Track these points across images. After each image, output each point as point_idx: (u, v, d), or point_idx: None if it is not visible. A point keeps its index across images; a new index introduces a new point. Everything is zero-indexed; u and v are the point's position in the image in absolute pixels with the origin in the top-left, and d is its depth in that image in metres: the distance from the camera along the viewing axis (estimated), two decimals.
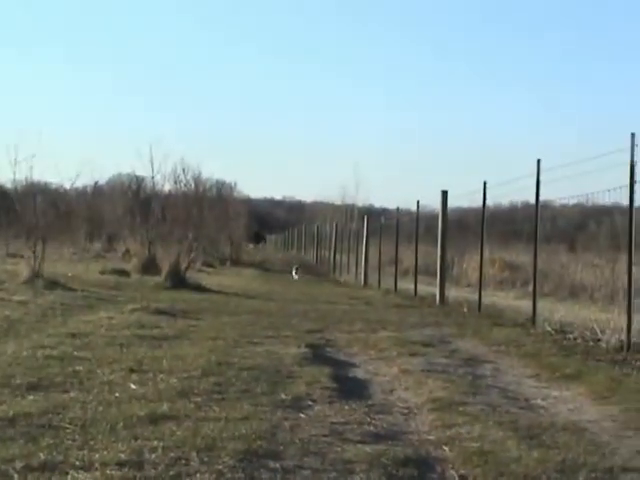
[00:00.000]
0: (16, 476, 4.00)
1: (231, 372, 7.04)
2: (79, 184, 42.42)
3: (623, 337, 9.48)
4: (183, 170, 31.21)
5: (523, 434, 5.35)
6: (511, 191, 16.72)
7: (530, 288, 13.32)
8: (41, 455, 4.32)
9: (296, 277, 28.69)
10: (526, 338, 10.60)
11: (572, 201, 14.73)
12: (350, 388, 6.85)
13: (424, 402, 6.34)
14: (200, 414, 5.42)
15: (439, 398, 6.44)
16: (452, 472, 4.51)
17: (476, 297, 14.95)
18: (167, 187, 30.12)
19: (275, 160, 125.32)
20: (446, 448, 4.96)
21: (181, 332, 9.85)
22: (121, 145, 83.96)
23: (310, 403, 6.06)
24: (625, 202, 9.87)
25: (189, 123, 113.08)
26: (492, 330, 11.44)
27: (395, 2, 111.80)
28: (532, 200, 12.59)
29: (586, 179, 11.23)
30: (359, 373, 7.76)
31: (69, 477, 4.04)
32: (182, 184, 31.48)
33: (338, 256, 34.24)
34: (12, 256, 23.37)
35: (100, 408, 5.45)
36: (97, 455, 4.36)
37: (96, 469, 4.14)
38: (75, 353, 7.73)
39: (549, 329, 11.18)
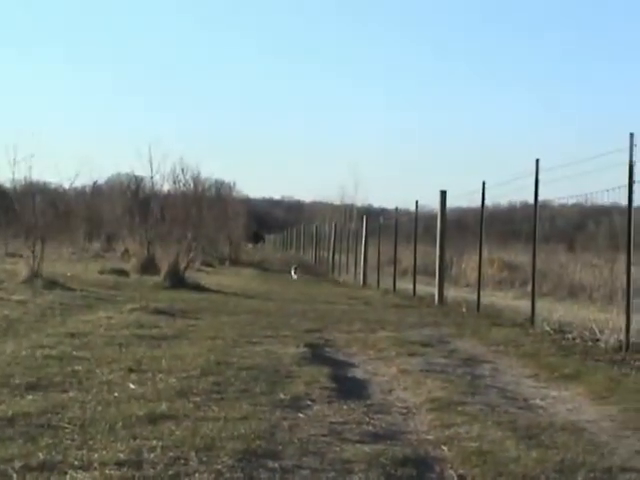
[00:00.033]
0: (15, 476, 4.00)
1: (230, 372, 7.04)
2: (78, 184, 42.39)
3: (622, 337, 9.49)
4: (182, 170, 31.17)
5: (522, 434, 5.35)
6: (510, 191, 16.73)
7: (529, 288, 13.33)
8: (40, 455, 4.32)
9: (295, 277, 28.67)
10: (525, 338, 10.61)
11: (571, 201, 14.79)
12: (349, 388, 6.85)
13: (423, 402, 6.34)
14: (199, 414, 5.43)
15: (438, 398, 6.44)
16: (451, 472, 4.51)
17: (475, 297, 14.95)
18: (166, 187, 30.09)
19: (274, 160, 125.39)
20: (445, 448, 4.97)
21: (180, 332, 9.85)
22: (120, 145, 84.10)
23: (309, 403, 6.07)
24: (624, 202, 9.88)
25: (189, 123, 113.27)
26: (491, 330, 11.45)
27: (395, 2, 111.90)
28: (531, 200, 12.60)
29: (585, 179, 11.24)
30: (358, 373, 7.77)
31: (68, 477, 4.04)
32: (181, 184, 31.45)
33: (337, 256, 34.25)
34: (11, 256, 23.38)
35: (99, 408, 5.46)
36: (96, 455, 4.36)
37: (95, 469, 4.14)
38: (74, 353, 7.73)
39: (548, 329, 11.19)
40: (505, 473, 4.45)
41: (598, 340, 9.90)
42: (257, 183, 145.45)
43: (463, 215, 24.11)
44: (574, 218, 32.86)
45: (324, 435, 5.10)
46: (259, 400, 5.99)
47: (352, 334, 10.58)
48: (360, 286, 25.21)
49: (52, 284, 15.06)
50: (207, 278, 21.85)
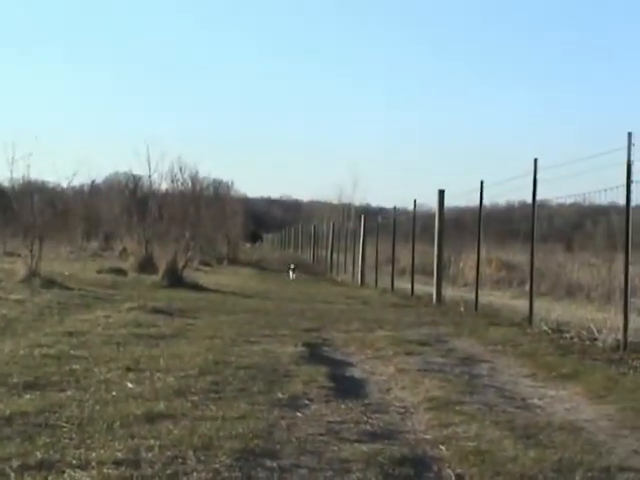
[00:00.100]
0: (13, 475, 4.00)
1: (228, 371, 7.04)
2: (76, 183, 42.45)
3: (619, 336, 9.50)
4: (180, 169, 31.13)
5: (520, 433, 5.35)
6: (508, 190, 16.71)
7: (527, 287, 13.33)
8: (38, 454, 4.31)
9: (293, 277, 28.61)
10: (523, 337, 10.61)
11: (569, 200, 14.78)
12: (347, 387, 6.85)
13: (421, 401, 6.34)
14: (197, 413, 5.43)
15: (436, 397, 6.45)
16: (449, 471, 4.51)
17: (473, 296, 14.96)
18: (164, 186, 30.03)
19: (273, 159, 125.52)
20: (443, 447, 4.97)
21: (178, 331, 9.84)
22: (120, 145, 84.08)
23: (307, 402, 6.07)
24: (622, 201, 9.89)
25: (188, 123, 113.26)
26: (489, 329, 11.45)
27: (395, 2, 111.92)
28: (529, 199, 12.60)
29: (583, 179, 11.25)
30: (356, 372, 7.77)
31: (66, 476, 4.04)
32: (179, 183, 31.38)
33: (335, 255, 34.27)
34: (9, 255, 23.35)
35: (97, 407, 5.45)
36: (94, 454, 4.36)
37: (93, 468, 4.14)
38: (72, 352, 7.72)
39: (546, 328, 11.20)
40: (503, 472, 4.45)
41: (596, 339, 9.91)
42: (255, 182, 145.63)
43: (461, 214, 24.11)
44: (572, 218, 32.86)
45: (322, 434, 5.10)
46: (257, 399, 5.99)
47: (350, 333, 10.58)
48: (358, 285, 25.22)
49: (50, 283, 15.05)
50: (205, 277, 21.85)
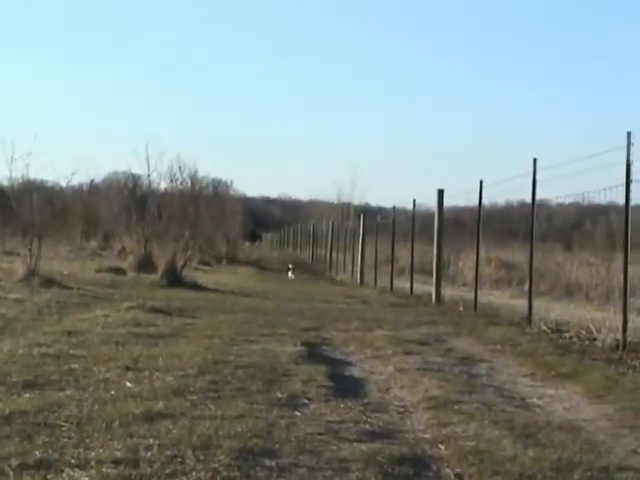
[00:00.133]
0: (12, 474, 3.99)
1: (227, 370, 7.04)
2: (75, 182, 42.44)
3: (619, 336, 9.50)
4: (179, 168, 31.15)
5: (519, 433, 5.35)
6: (507, 190, 16.75)
7: (526, 287, 13.33)
8: (37, 453, 4.31)
9: (292, 277, 28.58)
10: (522, 337, 10.62)
11: (568, 200, 14.76)
12: (346, 386, 6.85)
13: (420, 401, 6.34)
14: (196, 412, 5.42)
15: (435, 397, 6.45)
16: (448, 471, 4.51)
17: (472, 296, 14.96)
18: (163, 185, 30.09)
19: (273, 159, 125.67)
20: (442, 447, 4.97)
21: (177, 330, 9.84)
22: (120, 145, 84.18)
23: (306, 401, 6.06)
24: (621, 201, 9.89)
25: (188, 123, 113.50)
26: (488, 329, 11.46)
27: (395, 2, 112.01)
28: (528, 199, 12.61)
29: (582, 178, 11.24)
30: (355, 371, 7.77)
31: (65, 475, 4.04)
32: (178, 182, 31.41)
33: (334, 255, 34.27)
34: (8, 254, 23.32)
35: (96, 406, 5.45)
36: (93, 453, 4.36)
37: (92, 467, 4.14)
38: (71, 351, 7.72)
39: (545, 328, 11.20)
40: (502, 472, 4.45)
41: (595, 339, 9.91)
42: (254, 182, 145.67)
43: (460, 214, 24.11)
44: (571, 217, 32.86)
45: (321, 434, 5.10)
46: (256, 398, 5.99)
47: (349, 333, 10.58)
48: (357, 285, 25.22)
49: (49, 282, 15.04)
50: (204, 277, 21.85)
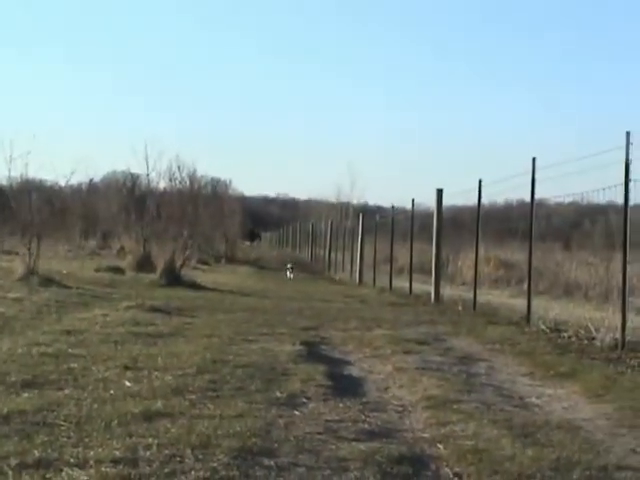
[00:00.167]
0: (10, 473, 3.99)
1: (226, 370, 7.04)
2: (74, 181, 42.45)
3: (617, 335, 9.50)
4: (178, 168, 31.15)
5: (517, 432, 5.35)
6: (506, 189, 16.70)
7: (525, 286, 13.34)
8: (36, 452, 4.31)
9: (291, 277, 28.56)
10: (521, 336, 10.62)
11: (567, 199, 14.74)
12: (345, 386, 6.85)
13: (418, 400, 6.35)
14: (195, 411, 5.42)
15: (433, 396, 6.45)
16: (446, 470, 4.51)
17: (471, 295, 14.96)
18: (162, 184, 30.10)
19: (272, 158, 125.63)
20: (440, 446, 4.97)
21: (176, 329, 9.84)
22: (120, 145, 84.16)
23: (305, 401, 6.07)
24: (620, 201, 9.89)
25: (188, 123, 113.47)
26: (487, 328, 11.46)
27: (395, 2, 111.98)
28: (527, 198, 12.62)
29: (581, 177, 11.25)
30: (354, 371, 7.77)
31: (64, 474, 4.04)
32: (177, 181, 31.43)
33: (333, 254, 34.26)
34: (7, 253, 23.30)
35: (95, 405, 5.45)
36: (92, 452, 4.36)
37: (91, 466, 4.14)
38: (70, 350, 7.72)
39: (544, 327, 11.20)
40: (501, 471, 4.45)
41: (594, 338, 9.92)
42: (253, 181, 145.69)
43: (459, 213, 24.12)
44: (570, 216, 32.84)
45: (320, 433, 5.10)
46: (255, 398, 5.99)
47: (348, 332, 10.59)
48: (356, 284, 25.21)
49: (48, 282, 15.04)
50: (203, 276, 21.84)
